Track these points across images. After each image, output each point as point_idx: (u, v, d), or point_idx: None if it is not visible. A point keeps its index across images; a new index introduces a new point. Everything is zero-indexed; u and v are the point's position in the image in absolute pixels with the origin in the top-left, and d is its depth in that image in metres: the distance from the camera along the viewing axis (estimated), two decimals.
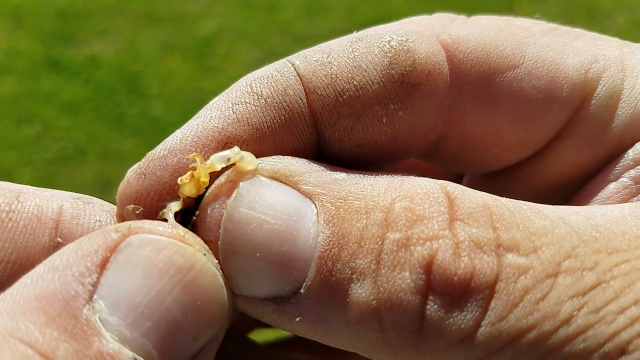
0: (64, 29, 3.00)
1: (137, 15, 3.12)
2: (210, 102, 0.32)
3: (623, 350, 0.24)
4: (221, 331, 0.28)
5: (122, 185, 0.31)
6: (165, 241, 0.26)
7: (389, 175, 0.29)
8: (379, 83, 0.31)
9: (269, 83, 0.31)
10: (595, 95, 0.33)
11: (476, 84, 0.33)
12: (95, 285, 0.24)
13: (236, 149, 0.29)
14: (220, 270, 0.28)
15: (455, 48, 0.33)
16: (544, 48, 0.33)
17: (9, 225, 0.28)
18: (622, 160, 0.32)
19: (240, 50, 2.90)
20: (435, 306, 0.25)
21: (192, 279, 0.26)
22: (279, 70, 0.32)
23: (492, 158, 0.35)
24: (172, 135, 0.31)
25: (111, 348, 0.24)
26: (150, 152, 0.31)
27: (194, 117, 0.31)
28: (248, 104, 0.31)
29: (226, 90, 0.32)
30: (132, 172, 0.31)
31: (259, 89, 0.31)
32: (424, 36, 0.32)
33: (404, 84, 0.31)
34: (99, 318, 0.24)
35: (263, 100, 0.31)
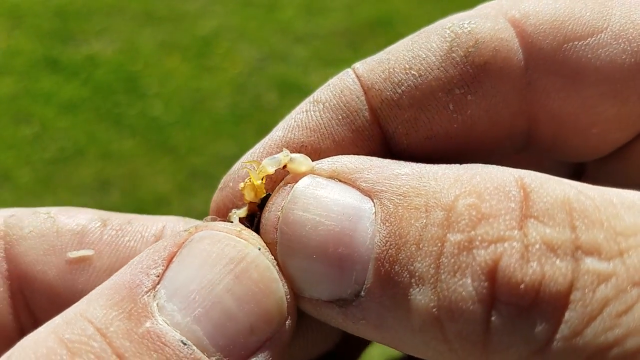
0: (63, 29, 3.00)
1: (136, 15, 3.11)
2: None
3: None
4: (285, 331, 0.28)
5: (213, 200, 0.34)
6: (221, 235, 0.28)
7: (462, 166, 0.27)
8: (439, 68, 0.29)
9: (328, 89, 0.32)
10: None
11: (554, 57, 0.30)
12: (160, 276, 0.27)
13: (286, 151, 0.30)
14: (277, 268, 0.28)
15: (525, 22, 0.30)
16: (635, 7, 0.30)
17: (116, 239, 0.33)
18: None
19: (239, 49, 2.89)
20: (501, 317, 0.23)
21: (243, 269, 0.27)
22: (339, 76, 0.32)
23: (594, 140, 0.31)
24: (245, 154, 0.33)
25: (159, 328, 0.25)
26: (228, 172, 0.34)
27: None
28: (307, 111, 0.32)
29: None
30: (215, 194, 0.34)
31: (319, 97, 0.32)
32: (487, 16, 0.30)
33: (468, 65, 0.29)
34: (157, 304, 0.26)
35: (321, 105, 0.31)
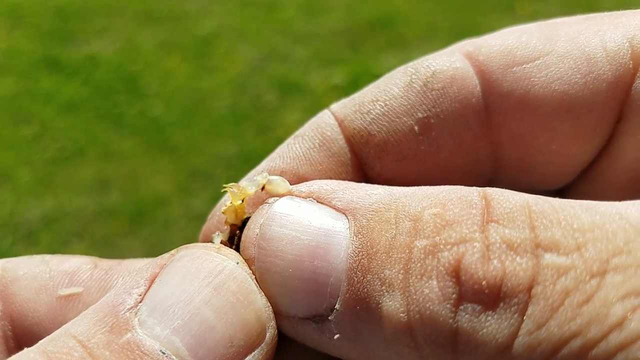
0: (63, 29, 3.00)
1: (136, 15, 3.11)
2: None
3: None
4: (266, 343, 0.28)
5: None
6: (200, 252, 0.29)
7: (432, 188, 0.28)
8: (402, 97, 0.33)
9: (307, 125, 0.35)
10: None
11: (505, 79, 0.32)
12: (142, 294, 0.28)
13: (264, 173, 0.32)
14: (256, 283, 0.29)
15: (478, 53, 0.33)
16: (577, 32, 0.32)
17: (105, 277, 0.35)
18: None
19: (239, 49, 2.89)
20: (467, 315, 0.24)
21: (221, 281, 0.27)
22: (317, 115, 0.35)
23: (557, 158, 0.33)
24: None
25: (139, 339, 0.26)
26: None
27: None
28: (288, 144, 0.34)
29: None
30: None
31: (300, 132, 0.35)
32: (443, 53, 0.34)
33: (427, 91, 0.32)
34: (138, 320, 0.27)
35: (300, 138, 0.34)
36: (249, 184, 0.32)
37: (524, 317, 0.23)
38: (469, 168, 0.34)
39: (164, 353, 0.26)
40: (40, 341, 0.28)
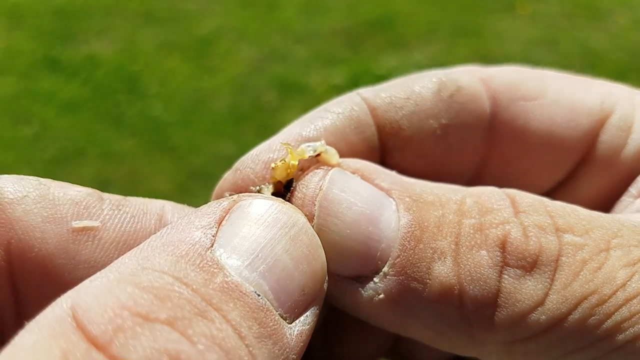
0: (63, 29, 3.00)
1: (136, 15, 3.11)
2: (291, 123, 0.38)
3: None
4: (324, 292, 0.30)
5: (219, 183, 0.37)
6: (270, 202, 0.30)
7: (452, 184, 0.34)
8: (431, 101, 0.37)
9: (339, 103, 0.37)
10: (610, 122, 0.38)
11: (510, 110, 0.38)
12: (215, 236, 0.28)
13: (323, 141, 0.34)
14: None
15: (491, 81, 0.39)
16: (563, 85, 0.39)
17: (118, 214, 0.33)
18: None
19: (239, 49, 2.89)
20: (510, 278, 0.30)
21: (296, 234, 0.29)
22: (347, 96, 0.38)
23: (529, 180, 0.39)
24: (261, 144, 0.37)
25: (234, 279, 0.27)
26: (243, 157, 0.37)
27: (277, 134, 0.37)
28: (323, 118, 0.36)
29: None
30: (226, 174, 0.37)
31: (332, 108, 0.37)
32: (465, 72, 0.39)
33: (452, 102, 0.37)
34: (222, 261, 0.27)
35: (335, 115, 0.37)
36: (307, 148, 0.33)
37: (554, 280, 0.30)
38: (462, 172, 0.39)
39: (258, 295, 0.27)
40: (106, 276, 0.25)
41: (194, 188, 2.19)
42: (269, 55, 2.85)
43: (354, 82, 2.57)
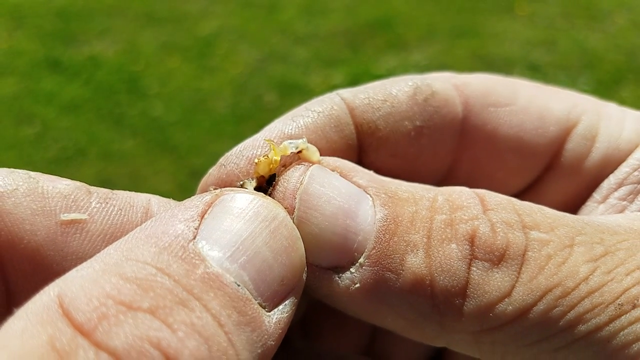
0: (65, 29, 3.01)
1: (137, 16, 3.12)
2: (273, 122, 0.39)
3: (634, 304, 0.30)
4: (303, 283, 0.32)
5: (204, 178, 0.38)
6: (252, 197, 0.31)
7: (424, 184, 0.36)
8: (407, 104, 0.39)
9: (320, 103, 0.39)
10: (576, 131, 0.41)
11: (481, 115, 0.40)
12: (197, 228, 0.29)
13: (305, 139, 0.36)
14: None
15: (464, 87, 0.41)
16: (533, 94, 0.42)
17: (106, 207, 0.34)
18: (606, 185, 0.40)
19: (240, 50, 2.90)
20: (478, 270, 0.31)
21: (276, 227, 0.31)
22: (327, 96, 0.39)
23: (498, 182, 0.41)
24: (244, 141, 0.38)
25: (215, 270, 0.28)
26: (227, 153, 0.38)
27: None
28: (305, 116, 0.38)
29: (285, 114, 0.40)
30: (211, 169, 0.38)
31: (313, 107, 0.39)
32: (440, 77, 0.41)
33: (427, 106, 0.39)
34: (204, 252, 0.28)
35: (316, 113, 0.38)
36: (290, 145, 0.35)
37: (520, 273, 0.31)
38: (434, 173, 0.41)
39: (238, 285, 0.28)
40: (91, 266, 0.27)
41: (194, 188, 2.18)
42: (269, 55, 2.86)
43: (354, 83, 2.57)
